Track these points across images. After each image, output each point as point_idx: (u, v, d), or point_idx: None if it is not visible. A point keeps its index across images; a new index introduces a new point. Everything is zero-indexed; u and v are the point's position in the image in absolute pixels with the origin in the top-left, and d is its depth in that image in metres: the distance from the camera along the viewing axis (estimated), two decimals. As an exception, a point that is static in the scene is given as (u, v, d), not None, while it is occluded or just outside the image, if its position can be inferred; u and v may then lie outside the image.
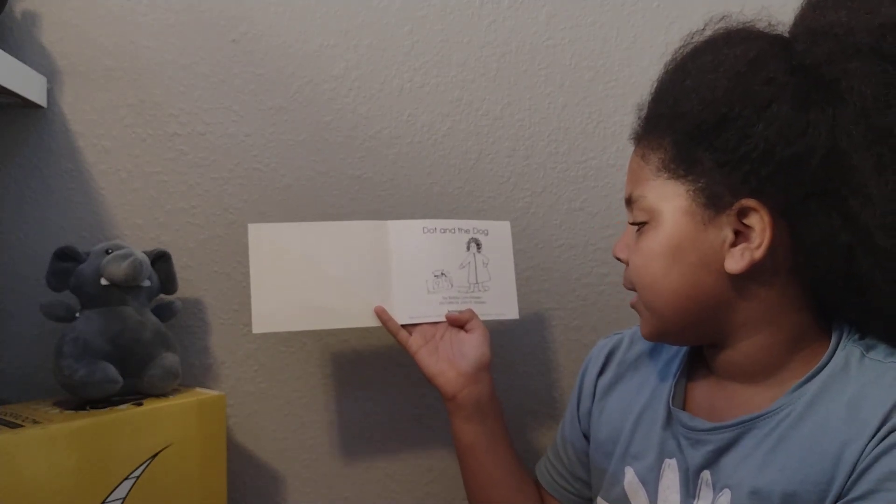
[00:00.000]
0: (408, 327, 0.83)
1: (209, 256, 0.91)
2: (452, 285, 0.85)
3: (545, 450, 0.85)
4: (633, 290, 0.67)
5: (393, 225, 0.85)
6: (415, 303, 0.83)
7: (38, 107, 0.85)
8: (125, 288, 0.80)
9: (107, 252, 0.80)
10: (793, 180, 0.57)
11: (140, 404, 0.76)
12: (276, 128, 0.92)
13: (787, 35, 0.62)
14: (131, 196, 0.89)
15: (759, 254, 0.58)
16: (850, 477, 0.54)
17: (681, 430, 0.66)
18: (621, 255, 0.68)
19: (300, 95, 0.92)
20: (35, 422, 0.69)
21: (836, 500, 0.55)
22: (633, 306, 0.69)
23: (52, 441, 0.68)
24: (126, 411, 0.74)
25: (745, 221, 0.59)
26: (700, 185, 0.60)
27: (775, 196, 0.58)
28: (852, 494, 0.54)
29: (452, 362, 0.81)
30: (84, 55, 0.87)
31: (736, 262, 0.59)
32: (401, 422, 0.96)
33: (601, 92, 0.99)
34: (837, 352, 0.60)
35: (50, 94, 0.86)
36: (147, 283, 0.82)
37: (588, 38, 0.98)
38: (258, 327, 0.79)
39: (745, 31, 0.63)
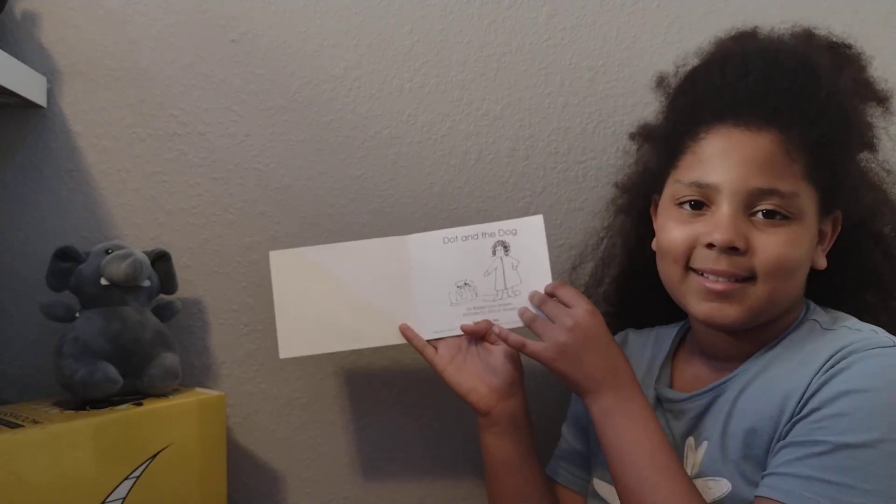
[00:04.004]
0: (433, 342, 0.81)
1: (209, 256, 0.91)
2: (477, 294, 0.81)
3: (546, 449, 0.85)
4: (749, 278, 0.66)
5: (413, 239, 0.83)
6: (438, 317, 0.81)
7: (38, 107, 0.85)
8: (125, 288, 0.80)
9: (107, 252, 0.80)
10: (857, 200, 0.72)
11: (140, 404, 0.76)
12: (276, 128, 0.92)
13: None
14: (131, 196, 0.89)
15: (824, 253, 0.71)
16: (798, 404, 0.62)
17: (665, 404, 0.74)
18: (741, 245, 0.66)
19: (300, 95, 0.92)
20: (35, 422, 0.69)
21: (786, 425, 0.62)
22: (728, 292, 0.66)
23: (52, 441, 0.68)
24: (126, 411, 0.74)
25: (825, 227, 0.70)
26: (823, 192, 0.68)
27: (845, 210, 0.71)
28: (798, 416, 0.61)
29: (482, 378, 0.79)
30: (84, 55, 0.87)
31: (820, 258, 0.70)
32: (401, 422, 0.96)
33: (601, 92, 0.99)
34: (801, 325, 0.69)
35: (50, 94, 0.86)
36: (147, 283, 0.82)
37: (588, 38, 0.98)
38: (285, 352, 0.80)
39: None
